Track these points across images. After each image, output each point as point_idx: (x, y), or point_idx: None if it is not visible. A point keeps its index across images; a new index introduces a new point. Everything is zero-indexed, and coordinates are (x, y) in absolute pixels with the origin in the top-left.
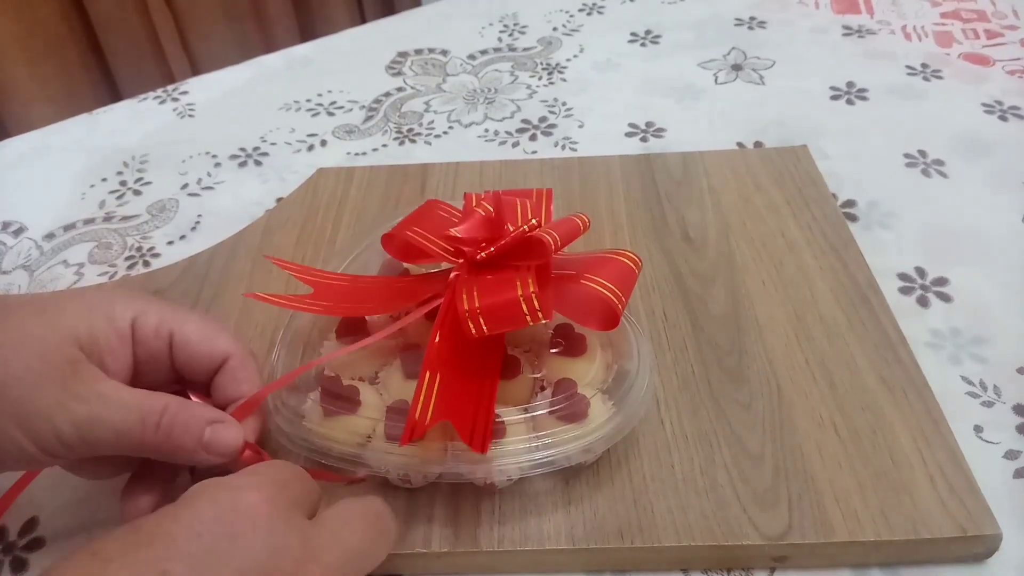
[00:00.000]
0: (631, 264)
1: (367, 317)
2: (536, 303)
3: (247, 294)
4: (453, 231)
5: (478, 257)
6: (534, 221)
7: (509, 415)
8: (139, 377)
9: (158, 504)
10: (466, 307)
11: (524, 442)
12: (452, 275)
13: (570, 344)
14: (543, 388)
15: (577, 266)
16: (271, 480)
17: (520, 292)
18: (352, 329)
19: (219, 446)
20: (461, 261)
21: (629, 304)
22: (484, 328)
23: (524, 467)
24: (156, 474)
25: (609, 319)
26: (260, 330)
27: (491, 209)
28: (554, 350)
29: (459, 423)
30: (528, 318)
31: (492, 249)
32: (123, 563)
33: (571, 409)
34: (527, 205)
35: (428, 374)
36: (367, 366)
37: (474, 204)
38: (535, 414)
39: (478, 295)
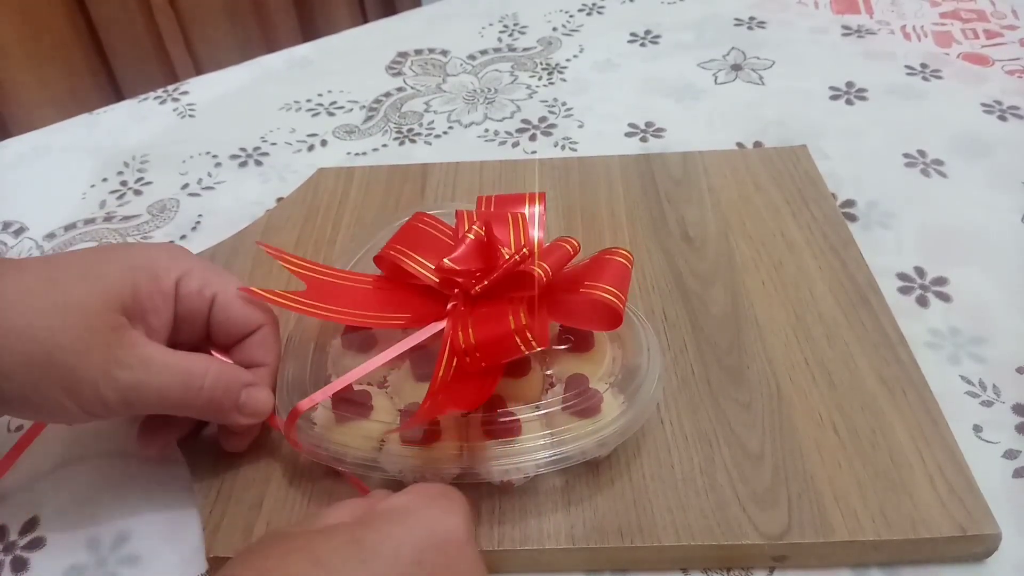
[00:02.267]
0: (624, 261)
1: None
2: (528, 334)
3: (241, 288)
4: (447, 261)
5: (473, 292)
6: (525, 250)
7: (523, 413)
8: (176, 334)
9: (169, 446)
10: (462, 343)
11: (539, 439)
12: (450, 305)
13: (578, 340)
14: (552, 385)
15: (573, 276)
16: (464, 510)
17: (513, 325)
18: (358, 335)
19: (253, 408)
20: (457, 291)
21: (632, 299)
22: (481, 362)
23: (540, 464)
24: (172, 419)
25: (612, 320)
26: None
27: (483, 233)
28: (562, 347)
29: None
30: (522, 348)
31: (486, 282)
32: None
33: (584, 404)
34: (519, 220)
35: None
36: (375, 370)
37: (467, 228)
38: (548, 411)
39: (473, 329)
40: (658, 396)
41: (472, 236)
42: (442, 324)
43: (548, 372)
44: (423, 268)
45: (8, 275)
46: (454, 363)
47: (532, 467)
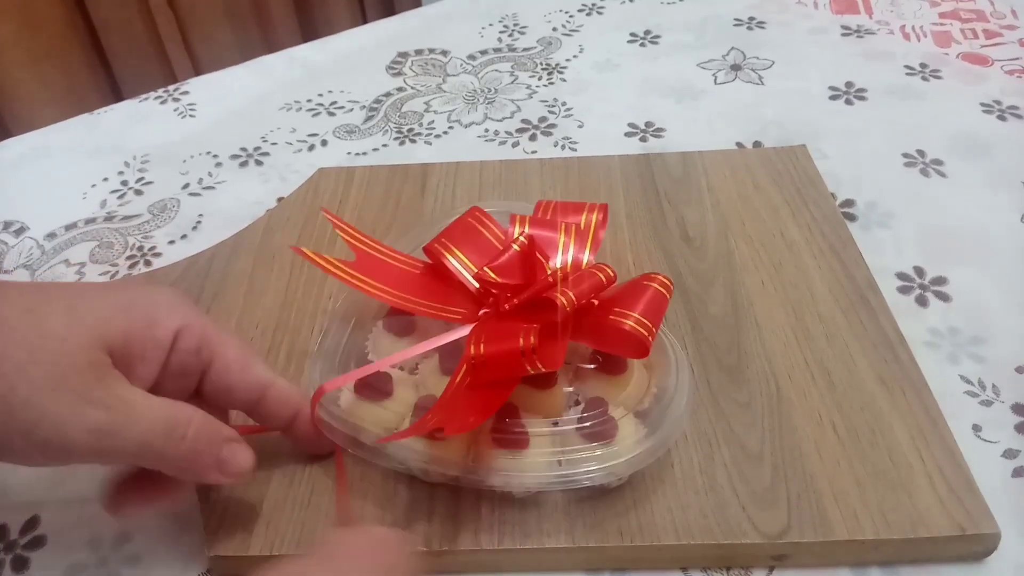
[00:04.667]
0: (662, 289)
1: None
2: (535, 356)
3: (294, 248)
4: (487, 269)
5: (503, 309)
6: (559, 273)
7: (535, 427)
8: (158, 387)
9: (139, 512)
10: (472, 352)
11: (546, 456)
12: (482, 312)
13: (607, 362)
14: (578, 403)
15: (607, 301)
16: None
17: (521, 344)
18: (400, 320)
19: (233, 466)
20: (491, 300)
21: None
22: (488, 374)
23: (543, 482)
24: (153, 481)
25: (639, 350)
26: (261, 329)
27: (528, 245)
28: (591, 366)
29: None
30: (528, 367)
31: (515, 301)
32: None
33: (597, 428)
34: (573, 232)
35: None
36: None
37: (516, 234)
38: (561, 429)
39: (486, 342)
40: (682, 425)
41: (517, 247)
42: (470, 327)
43: (570, 389)
44: (464, 267)
45: None
46: (469, 373)
47: (535, 483)
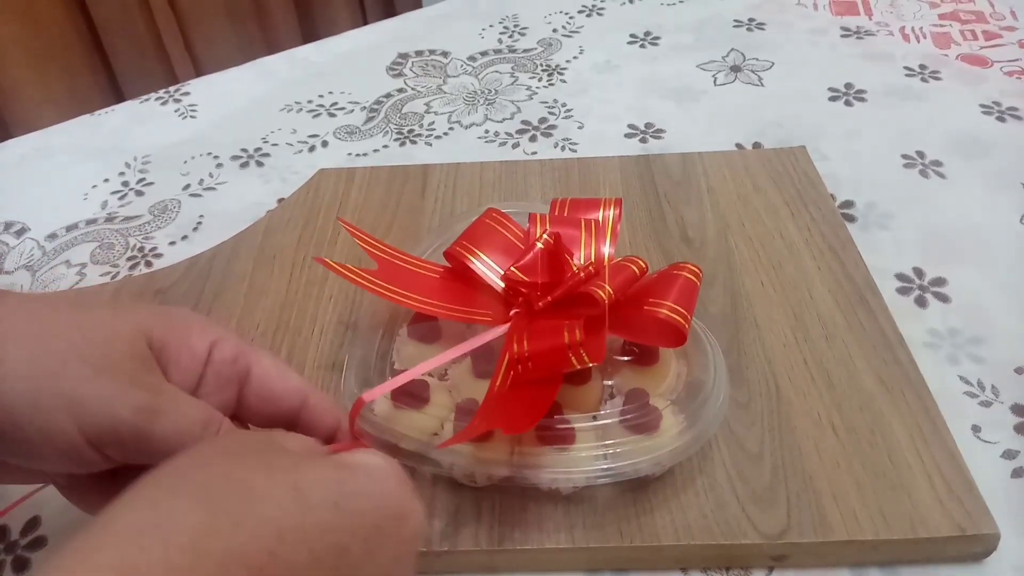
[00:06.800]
0: (692, 277)
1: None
2: (582, 350)
3: (316, 258)
4: (514, 269)
5: (536, 307)
6: (592, 268)
7: (578, 422)
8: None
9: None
10: (515, 351)
11: (592, 450)
12: (513, 312)
13: (642, 354)
14: (612, 396)
15: (638, 292)
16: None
17: (567, 340)
18: (424, 326)
19: None
20: (521, 300)
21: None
22: (534, 372)
23: (591, 476)
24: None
25: (676, 338)
26: (261, 330)
27: (552, 243)
28: (625, 359)
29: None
30: (575, 362)
31: (550, 299)
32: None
33: (642, 420)
34: (592, 228)
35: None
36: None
37: (538, 234)
38: (604, 423)
39: (529, 340)
40: (721, 417)
41: (541, 245)
42: (504, 328)
43: (608, 383)
44: (489, 269)
45: (8, 299)
46: (511, 373)
47: (582, 478)
